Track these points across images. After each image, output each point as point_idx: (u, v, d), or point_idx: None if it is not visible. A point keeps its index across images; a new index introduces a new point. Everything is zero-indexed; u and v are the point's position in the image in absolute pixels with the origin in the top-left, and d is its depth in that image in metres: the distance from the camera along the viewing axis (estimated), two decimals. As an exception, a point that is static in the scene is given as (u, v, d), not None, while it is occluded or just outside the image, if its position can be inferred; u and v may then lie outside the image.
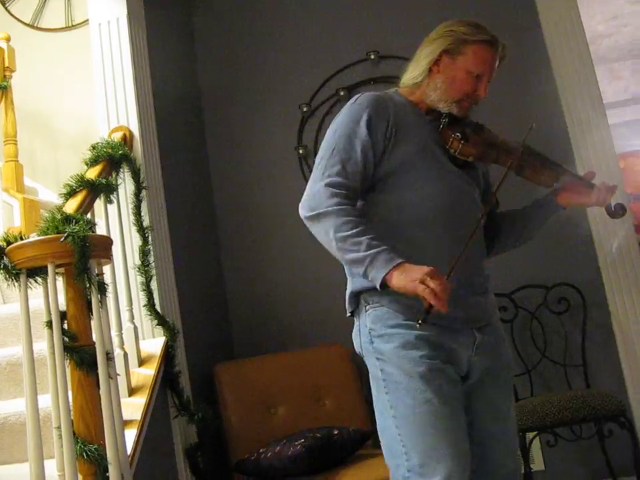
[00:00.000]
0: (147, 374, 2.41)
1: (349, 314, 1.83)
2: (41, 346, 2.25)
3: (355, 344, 1.82)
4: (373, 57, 3.48)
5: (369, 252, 1.60)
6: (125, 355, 2.37)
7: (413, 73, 1.86)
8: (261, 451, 2.58)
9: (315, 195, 1.71)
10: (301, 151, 3.52)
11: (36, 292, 1.90)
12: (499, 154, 1.84)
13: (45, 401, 1.97)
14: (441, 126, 1.82)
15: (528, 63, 3.44)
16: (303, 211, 1.75)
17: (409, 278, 1.56)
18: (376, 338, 1.72)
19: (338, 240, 1.64)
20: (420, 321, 1.56)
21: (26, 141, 4.02)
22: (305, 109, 3.55)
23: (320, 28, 3.65)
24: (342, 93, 3.49)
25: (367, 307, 1.75)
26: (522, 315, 3.24)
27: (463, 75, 1.79)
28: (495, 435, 1.79)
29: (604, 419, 2.74)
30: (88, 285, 1.83)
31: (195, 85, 3.68)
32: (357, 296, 1.78)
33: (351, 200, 1.70)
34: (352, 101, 1.82)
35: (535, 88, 3.43)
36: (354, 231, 1.63)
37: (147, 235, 2.63)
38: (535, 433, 2.79)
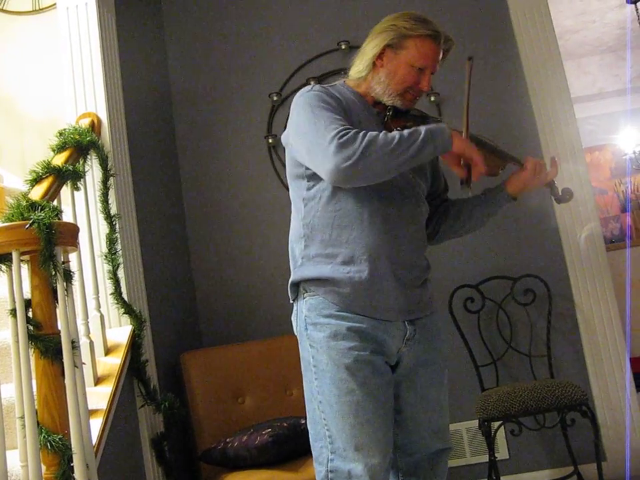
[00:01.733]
0: (113, 363, 2.39)
1: (291, 301, 1.89)
2: (6, 334, 2.22)
3: (293, 327, 1.88)
4: (343, 47, 3.47)
5: (424, 134, 1.66)
6: (91, 343, 2.35)
7: (358, 67, 1.89)
8: (227, 440, 2.58)
9: (337, 152, 1.64)
10: (270, 140, 3.51)
11: (0, 280, 1.87)
12: None
13: (9, 391, 1.94)
14: (385, 119, 1.84)
15: (497, 57, 3.47)
16: (339, 167, 1.64)
17: (464, 144, 1.71)
18: (310, 325, 1.78)
19: (394, 148, 1.64)
20: (467, 187, 1.71)
21: (-9, 125, 3.96)
22: (275, 98, 3.53)
23: (291, 18, 3.63)
24: (312, 83, 3.48)
25: (305, 295, 1.81)
26: (489, 305, 3.28)
27: (405, 69, 1.82)
28: (422, 424, 1.86)
29: (567, 408, 2.78)
30: (53, 273, 1.81)
31: (165, 74, 3.64)
32: (297, 285, 1.84)
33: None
34: (299, 93, 1.82)
35: (504, 82, 3.46)
36: (400, 137, 1.65)
37: (114, 223, 2.60)
38: (500, 422, 2.82)
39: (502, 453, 3.23)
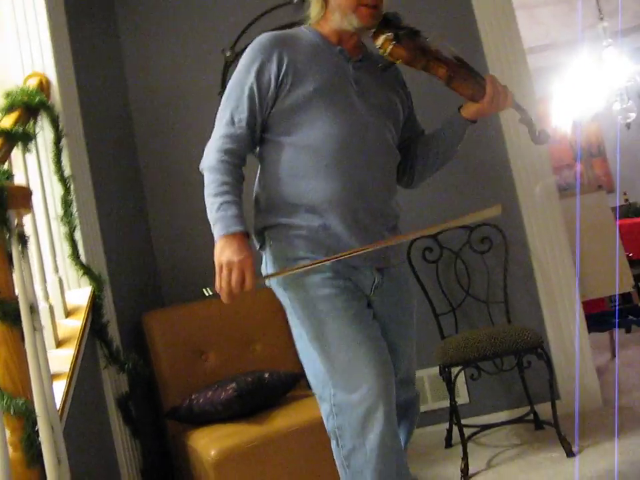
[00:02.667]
0: (74, 325, 2.38)
1: (257, 249, 1.90)
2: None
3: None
4: (295, 0, 3.42)
5: (216, 214, 1.71)
6: (51, 307, 2.33)
7: (315, 9, 1.89)
8: (193, 397, 2.61)
9: (209, 144, 1.82)
10: (224, 97, 3.47)
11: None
12: (430, 61, 1.81)
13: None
14: (374, 32, 1.81)
15: (450, 7, 3.46)
16: (202, 158, 1.84)
17: (221, 255, 1.68)
18: (280, 270, 1.80)
19: (205, 197, 1.76)
20: (206, 289, 1.70)
21: None
22: (227, 54, 3.48)
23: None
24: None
25: (270, 242, 1.83)
26: (446, 255, 3.34)
27: None
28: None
29: (523, 352, 2.87)
30: (7, 237, 1.78)
31: (115, 31, 3.55)
32: (261, 233, 1.87)
33: (233, 154, 1.78)
34: (251, 43, 1.84)
35: (457, 32, 3.46)
36: (215, 191, 1.73)
37: (68, 185, 2.55)
38: (460, 367, 2.90)
39: (462, 397, 3.33)
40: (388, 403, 1.71)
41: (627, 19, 6.60)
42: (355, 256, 1.74)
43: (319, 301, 1.75)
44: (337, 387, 1.74)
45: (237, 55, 3.47)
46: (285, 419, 2.48)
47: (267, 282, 1.88)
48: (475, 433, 3.14)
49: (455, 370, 2.92)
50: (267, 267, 1.87)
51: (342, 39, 1.88)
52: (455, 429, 2.99)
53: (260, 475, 2.33)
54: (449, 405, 3.01)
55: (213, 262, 3.41)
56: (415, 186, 2.08)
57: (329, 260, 1.72)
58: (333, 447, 1.82)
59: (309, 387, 3.01)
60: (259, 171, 1.92)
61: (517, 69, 3.37)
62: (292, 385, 2.70)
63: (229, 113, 1.80)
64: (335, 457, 1.82)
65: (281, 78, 1.78)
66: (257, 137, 1.85)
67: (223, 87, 3.47)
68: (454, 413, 2.93)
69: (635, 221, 4.96)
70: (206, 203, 1.77)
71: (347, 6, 1.80)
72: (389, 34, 1.76)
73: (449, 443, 3.16)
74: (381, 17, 1.82)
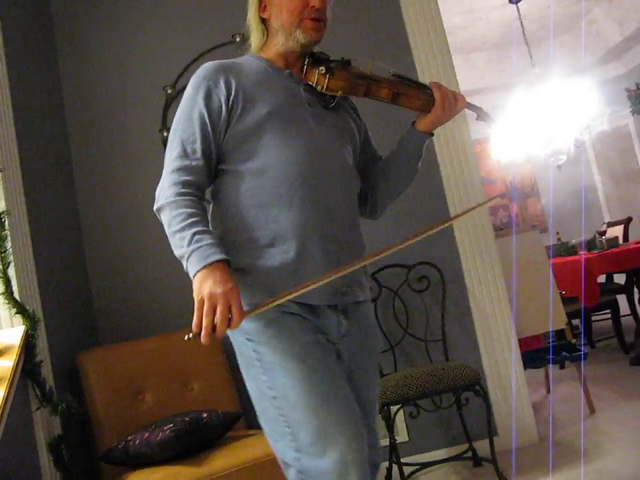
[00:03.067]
0: (5, 366, 2.29)
1: None
2: None
3: None
4: (238, 39, 3.46)
5: (188, 248, 1.53)
6: (-20, 346, 2.26)
7: (255, 35, 1.82)
8: (129, 438, 2.54)
9: (160, 185, 1.66)
10: (165, 134, 3.46)
11: None
12: (370, 85, 1.77)
13: None
14: (305, 67, 1.77)
15: (390, 50, 3.56)
16: (154, 203, 1.68)
17: (201, 288, 1.47)
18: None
19: (169, 235, 1.60)
20: (187, 334, 1.44)
21: None
22: (169, 91, 3.49)
23: (184, 10, 3.59)
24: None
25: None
26: (385, 293, 3.37)
27: None
28: None
29: (461, 389, 2.91)
30: (-63, 274, 1.73)
31: (54, 65, 3.51)
32: None
33: (191, 185, 1.63)
34: (195, 73, 1.74)
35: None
36: (182, 224, 1.56)
37: (2, 220, 2.49)
38: (399, 405, 2.92)
39: (402, 436, 3.34)
40: (360, 466, 1.54)
41: (557, 66, 6.91)
42: (315, 291, 1.57)
43: (288, 359, 1.58)
44: (302, 452, 1.55)
45: (179, 93, 3.48)
46: (224, 460, 2.43)
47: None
48: (414, 471, 3.15)
49: (394, 408, 2.93)
50: None
51: (289, 62, 1.81)
52: (395, 467, 2.99)
53: (197, 518, 2.27)
54: (388, 443, 3.01)
55: (149, 301, 3.40)
56: (378, 215, 1.99)
57: (294, 293, 1.52)
58: None
59: (248, 426, 3.00)
60: (211, 209, 1.77)
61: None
62: (231, 424, 2.66)
63: (180, 145, 1.66)
64: None
65: (230, 102, 1.67)
66: (213, 169, 1.71)
67: (164, 124, 3.48)
68: (393, 451, 2.93)
69: (567, 259, 5.12)
70: (171, 242, 1.59)
71: (290, 22, 1.74)
72: (321, 68, 1.73)
73: (388, 482, 3.16)
74: (324, 31, 1.77)
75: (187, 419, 2.51)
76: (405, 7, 3.58)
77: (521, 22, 6.07)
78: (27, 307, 2.49)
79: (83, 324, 3.23)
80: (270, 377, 1.60)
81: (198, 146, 1.66)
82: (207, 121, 1.66)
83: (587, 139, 6.66)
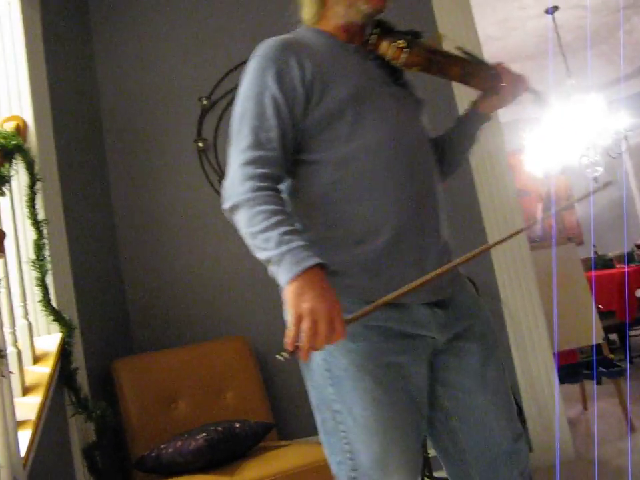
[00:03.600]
0: (42, 372, 2.33)
1: None
2: None
3: None
4: (274, 51, 3.49)
5: (277, 250, 1.34)
6: (19, 352, 2.29)
7: (311, 9, 1.64)
8: (161, 446, 2.55)
9: (230, 180, 1.46)
10: (200, 144, 3.49)
11: None
12: (443, 62, 1.61)
13: None
14: (375, 39, 1.58)
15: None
16: (223, 204, 1.48)
17: (299, 301, 1.30)
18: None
19: (249, 237, 1.40)
20: (281, 354, 1.29)
21: None
22: (204, 102, 3.52)
23: (221, 21, 3.62)
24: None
25: None
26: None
27: None
28: (489, 412, 1.54)
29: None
30: (-22, 281, 1.76)
31: (93, 79, 3.57)
32: None
33: (269, 178, 1.45)
34: (254, 53, 1.54)
35: (431, 88, 3.53)
36: (265, 224, 1.37)
37: (41, 229, 2.54)
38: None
39: (434, 450, 3.30)
40: None
41: (594, 77, 6.83)
42: (415, 291, 1.40)
43: (362, 377, 1.43)
44: (358, 471, 1.45)
45: (214, 104, 3.52)
46: (255, 470, 2.43)
47: None
48: (446, 486, 3.11)
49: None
50: None
51: (351, 35, 1.61)
52: (427, 481, 2.96)
53: (229, 528, 2.28)
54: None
55: (183, 310, 3.43)
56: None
57: (391, 296, 1.35)
58: None
59: (280, 437, 3.00)
60: (287, 194, 1.58)
61: (488, 123, 3.44)
62: (263, 435, 2.66)
63: (251, 133, 1.46)
64: None
65: (307, 85, 1.47)
66: (289, 160, 1.51)
67: (199, 134, 3.51)
68: (426, 466, 2.90)
69: (603, 272, 5.04)
70: (252, 244, 1.40)
71: None
72: (399, 41, 1.55)
73: (421, 496, 3.12)
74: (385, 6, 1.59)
75: (220, 428, 2.52)
76: (439, 17, 3.57)
77: (557, 32, 6.01)
78: (64, 315, 2.53)
79: (118, 332, 3.27)
80: (338, 389, 1.46)
81: (273, 134, 1.46)
82: (282, 105, 1.47)
83: (624, 150, 6.57)
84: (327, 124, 1.49)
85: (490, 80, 1.64)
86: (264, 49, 1.53)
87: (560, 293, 3.59)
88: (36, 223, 2.53)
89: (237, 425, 2.58)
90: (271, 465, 2.45)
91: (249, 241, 1.41)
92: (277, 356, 1.29)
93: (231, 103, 3.50)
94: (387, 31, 1.59)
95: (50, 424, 2.24)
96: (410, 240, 1.49)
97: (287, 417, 3.28)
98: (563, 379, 3.61)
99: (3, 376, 1.79)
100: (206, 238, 3.45)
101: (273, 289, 3.49)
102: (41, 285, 2.49)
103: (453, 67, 1.62)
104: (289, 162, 1.51)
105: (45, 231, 2.55)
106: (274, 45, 1.52)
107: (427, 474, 2.88)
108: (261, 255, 1.39)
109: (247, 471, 2.42)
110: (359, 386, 1.43)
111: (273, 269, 1.37)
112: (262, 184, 1.42)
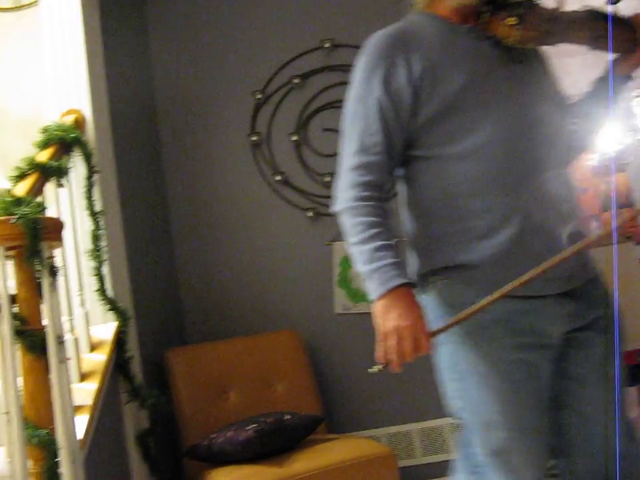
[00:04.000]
0: (98, 359, 2.39)
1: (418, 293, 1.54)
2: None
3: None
4: (327, 45, 3.49)
5: (368, 266, 1.40)
6: (76, 340, 2.35)
7: None
8: (212, 436, 2.59)
9: (339, 184, 1.51)
10: (253, 138, 3.52)
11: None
12: (565, 29, 1.48)
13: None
14: (487, 18, 1.47)
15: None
16: (334, 203, 1.53)
17: (385, 320, 1.37)
18: (446, 317, 1.44)
19: (350, 245, 1.46)
20: (373, 367, 1.38)
21: (-29, 124, 3.91)
22: (258, 96, 3.54)
23: (274, 15, 3.63)
24: (296, 81, 3.50)
25: (436, 284, 1.50)
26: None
27: None
28: (599, 404, 1.49)
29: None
30: (39, 268, 1.81)
31: (149, 73, 3.63)
32: (425, 277, 1.53)
33: (372, 186, 1.46)
34: (364, 48, 1.52)
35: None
36: (360, 236, 1.42)
37: (98, 220, 2.59)
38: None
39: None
40: None
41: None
42: (544, 282, 1.39)
43: (487, 373, 1.42)
44: (478, 468, 1.45)
45: (267, 98, 3.53)
46: (304, 463, 2.44)
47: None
48: None
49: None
50: (429, 312, 1.48)
51: (464, 17, 1.52)
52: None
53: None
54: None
55: (236, 302, 3.46)
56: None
57: (506, 291, 1.35)
58: None
59: (329, 430, 3.00)
60: (405, 198, 1.59)
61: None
62: (313, 427, 2.68)
63: (357, 138, 1.48)
64: None
65: (416, 83, 1.45)
66: (396, 162, 1.51)
67: (253, 129, 3.53)
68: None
69: (662, 273, 4.89)
70: (352, 252, 1.46)
71: None
72: (509, 19, 1.43)
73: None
74: None
75: (270, 420, 2.54)
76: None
77: (618, 25, 5.85)
78: (119, 304, 2.58)
79: (171, 322, 3.32)
80: (462, 385, 1.47)
81: (378, 139, 1.47)
82: (388, 109, 1.46)
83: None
84: (442, 118, 1.46)
85: (627, 37, 1.50)
86: (372, 45, 1.51)
87: (619, 292, 3.49)
88: (93, 214, 2.58)
89: (287, 417, 2.59)
90: (320, 458, 2.47)
91: (349, 249, 1.47)
92: (369, 370, 1.37)
93: (284, 97, 3.54)
94: (498, 7, 1.47)
95: (105, 410, 2.29)
96: (537, 232, 1.44)
97: (337, 411, 3.28)
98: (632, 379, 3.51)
99: (62, 361, 1.83)
100: (259, 231, 3.48)
101: (324, 283, 3.51)
102: (97, 275, 2.54)
103: (578, 32, 1.49)
104: (395, 163, 1.51)
105: (101, 222, 2.60)
106: (382, 41, 1.50)
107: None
108: (356, 267, 1.44)
109: (296, 463, 2.44)
110: (482, 382, 1.43)
111: (364, 283, 1.42)
112: (364, 193, 1.45)
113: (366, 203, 1.44)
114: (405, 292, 1.38)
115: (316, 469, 2.39)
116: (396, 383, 3.32)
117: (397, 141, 1.48)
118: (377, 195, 1.46)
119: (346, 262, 3.33)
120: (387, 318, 1.36)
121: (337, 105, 3.40)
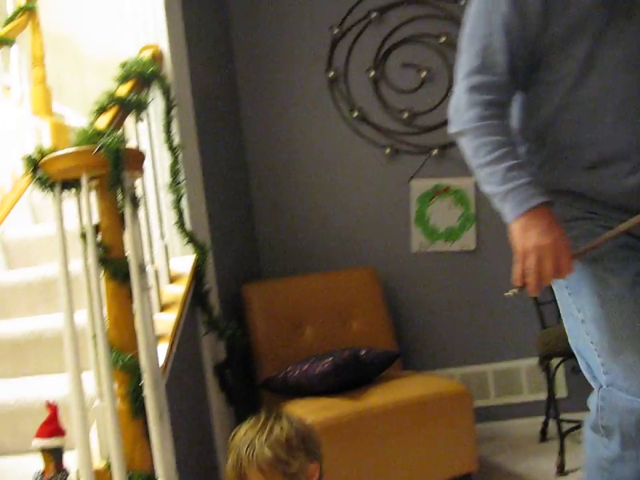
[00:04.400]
0: (177, 291, 2.43)
1: None
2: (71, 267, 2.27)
3: None
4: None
5: (502, 187, 1.34)
6: (156, 272, 2.39)
7: None
8: (288, 369, 2.62)
9: (455, 104, 1.45)
10: (330, 74, 3.46)
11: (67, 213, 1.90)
12: None
13: (77, 318, 2.00)
14: None
15: None
16: (449, 125, 1.48)
17: (524, 238, 1.31)
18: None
19: (475, 167, 1.40)
20: (510, 291, 1.34)
21: (51, 65, 3.98)
22: (335, 31, 3.46)
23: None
24: (373, 15, 3.41)
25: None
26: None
27: None
28: None
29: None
30: (121, 197, 1.84)
31: (225, 8, 3.59)
32: None
33: (494, 106, 1.41)
34: None
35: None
36: (490, 157, 1.36)
37: (177, 154, 2.61)
38: (561, 359, 2.80)
39: (561, 391, 3.21)
40: None
41: None
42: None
43: (597, 274, 1.38)
44: (613, 385, 1.38)
45: (344, 33, 3.46)
46: (379, 397, 2.45)
47: None
48: (572, 429, 3.01)
49: (555, 361, 2.81)
50: None
51: None
52: (552, 422, 2.89)
53: (353, 449, 2.32)
54: (546, 397, 2.91)
55: (312, 239, 3.47)
56: None
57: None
58: (590, 438, 1.48)
59: (404, 367, 3.00)
60: (519, 112, 1.53)
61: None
62: (388, 363, 2.68)
63: (478, 55, 1.40)
64: (590, 448, 1.49)
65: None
66: (518, 84, 1.45)
67: (330, 64, 3.47)
68: (552, 407, 2.83)
69: None
70: (478, 175, 1.41)
71: None
72: None
73: (544, 437, 3.06)
74: None
75: (346, 354, 2.55)
76: None
77: None
78: (197, 238, 2.61)
79: (248, 257, 3.36)
80: (577, 296, 1.42)
81: (502, 58, 1.40)
82: (514, 25, 1.39)
83: None
84: (566, 40, 1.39)
85: None
86: None
87: None
88: (172, 148, 2.60)
89: (363, 352, 2.60)
90: (396, 393, 2.47)
91: (475, 172, 1.41)
92: (505, 294, 1.34)
93: (362, 32, 3.45)
94: None
95: (184, 340, 2.34)
96: None
97: (412, 349, 3.28)
98: None
99: (145, 289, 1.87)
100: (337, 168, 3.46)
101: (401, 221, 3.47)
102: (176, 208, 2.57)
103: None
104: (519, 85, 1.46)
105: (180, 156, 2.62)
106: None
107: (553, 415, 2.81)
108: (485, 188, 1.39)
109: (371, 397, 2.45)
110: (594, 283, 1.38)
111: (497, 204, 1.37)
112: (487, 112, 1.39)
113: (491, 122, 1.39)
114: (544, 211, 1.33)
115: (391, 403, 2.40)
116: (472, 323, 3.29)
117: (521, 61, 1.42)
118: (500, 114, 1.42)
119: (423, 200, 3.28)
120: (526, 236, 1.31)
121: (415, 39, 3.31)
